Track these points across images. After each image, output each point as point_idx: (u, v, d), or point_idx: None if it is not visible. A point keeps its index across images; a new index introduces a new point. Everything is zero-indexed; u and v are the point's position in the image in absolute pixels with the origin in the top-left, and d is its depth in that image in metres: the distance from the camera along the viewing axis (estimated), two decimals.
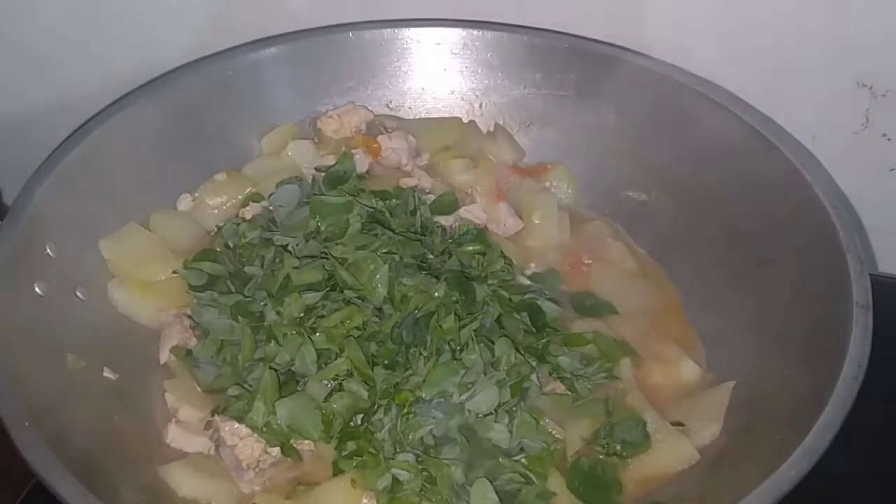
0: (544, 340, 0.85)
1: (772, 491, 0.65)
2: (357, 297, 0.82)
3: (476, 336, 0.80)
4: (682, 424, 0.82)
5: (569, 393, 0.83)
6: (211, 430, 0.80)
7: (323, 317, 0.80)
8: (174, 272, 0.90)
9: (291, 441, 0.78)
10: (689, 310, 0.94)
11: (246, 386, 0.80)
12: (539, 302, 0.88)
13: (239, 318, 0.83)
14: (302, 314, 0.81)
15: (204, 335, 0.85)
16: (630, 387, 0.84)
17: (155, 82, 0.96)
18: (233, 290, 0.87)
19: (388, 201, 0.93)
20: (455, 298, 0.83)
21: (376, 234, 0.87)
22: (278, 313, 0.81)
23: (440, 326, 0.79)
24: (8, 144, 1.20)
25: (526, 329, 0.85)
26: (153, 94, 0.96)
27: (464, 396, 0.77)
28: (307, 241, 0.87)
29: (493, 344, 0.80)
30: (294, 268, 0.84)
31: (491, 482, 0.74)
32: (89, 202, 0.89)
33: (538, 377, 0.81)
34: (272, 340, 0.80)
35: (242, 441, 0.78)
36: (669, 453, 0.79)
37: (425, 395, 0.77)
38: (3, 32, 1.15)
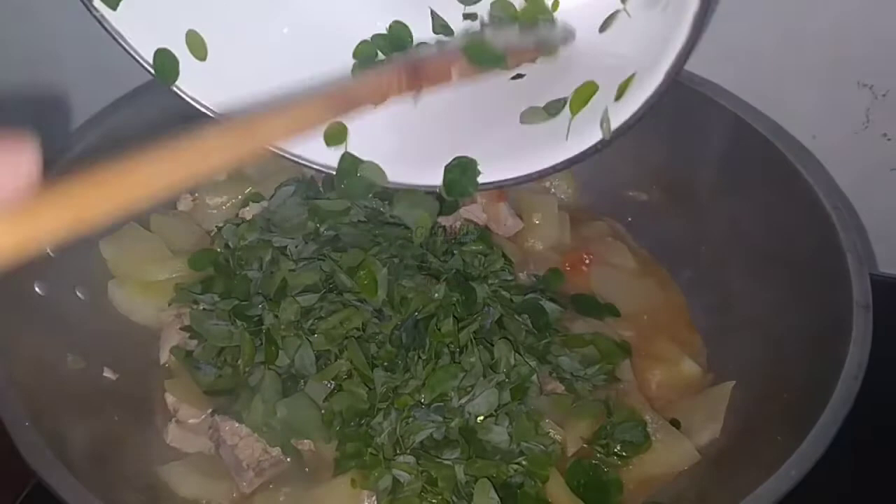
0: (545, 341, 0.85)
1: (772, 491, 0.65)
2: (357, 300, 0.82)
3: (475, 338, 0.80)
4: (678, 423, 0.82)
5: (568, 393, 0.83)
6: (211, 430, 0.80)
7: (321, 318, 0.80)
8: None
9: (291, 441, 0.79)
10: (689, 309, 0.94)
11: (247, 386, 0.80)
12: (541, 302, 0.88)
13: (237, 321, 0.83)
14: (298, 318, 0.81)
15: (203, 340, 0.85)
16: (630, 387, 0.84)
17: (155, 82, 0.96)
18: (231, 293, 0.87)
19: (388, 202, 0.93)
20: (455, 300, 0.83)
21: (377, 239, 0.87)
22: (276, 317, 0.81)
23: (439, 330, 0.79)
24: None
25: (527, 330, 0.85)
26: (153, 93, 0.95)
27: (463, 400, 0.77)
28: (306, 243, 0.87)
29: (493, 346, 0.80)
30: (290, 270, 0.84)
31: (492, 480, 0.74)
32: None
33: (538, 377, 0.81)
34: (272, 344, 0.80)
35: (242, 441, 0.78)
36: (669, 453, 0.79)
37: (424, 399, 0.77)
38: (3, 32, 1.15)
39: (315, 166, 0.84)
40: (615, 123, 0.73)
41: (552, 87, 0.78)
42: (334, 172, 0.82)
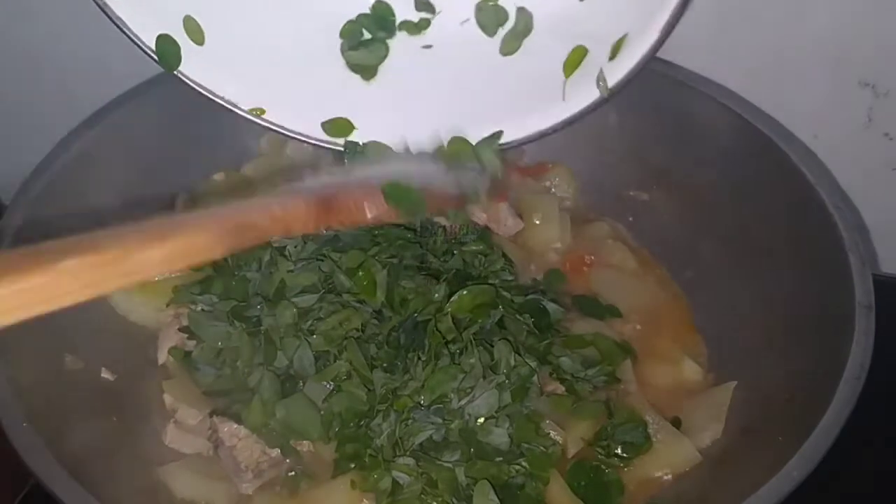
0: (546, 342, 0.84)
1: (773, 492, 0.64)
2: (356, 301, 0.81)
3: (475, 339, 0.80)
4: (679, 422, 0.82)
5: (569, 394, 0.82)
6: (210, 431, 0.80)
7: (320, 319, 0.80)
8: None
9: (291, 442, 0.78)
10: (690, 310, 0.94)
11: (245, 387, 0.80)
12: (543, 303, 0.88)
13: (236, 322, 0.83)
14: (296, 321, 0.80)
15: (201, 341, 0.85)
16: (631, 388, 0.84)
17: (155, 81, 0.96)
18: (230, 294, 0.87)
19: None
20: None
21: (377, 239, 0.87)
22: (274, 317, 0.81)
23: (438, 331, 0.79)
24: (7, 144, 1.20)
25: (528, 330, 0.84)
26: (153, 93, 0.95)
27: (463, 401, 0.77)
28: (305, 244, 0.87)
29: (493, 347, 0.80)
30: (289, 271, 0.83)
31: (492, 481, 0.73)
32: (88, 202, 0.89)
33: (539, 378, 0.81)
34: (270, 345, 0.80)
35: (241, 442, 0.78)
36: (671, 454, 0.79)
37: (424, 401, 0.76)
38: (3, 32, 1.14)
39: (321, 143, 0.84)
40: (612, 81, 0.74)
41: (544, 55, 0.78)
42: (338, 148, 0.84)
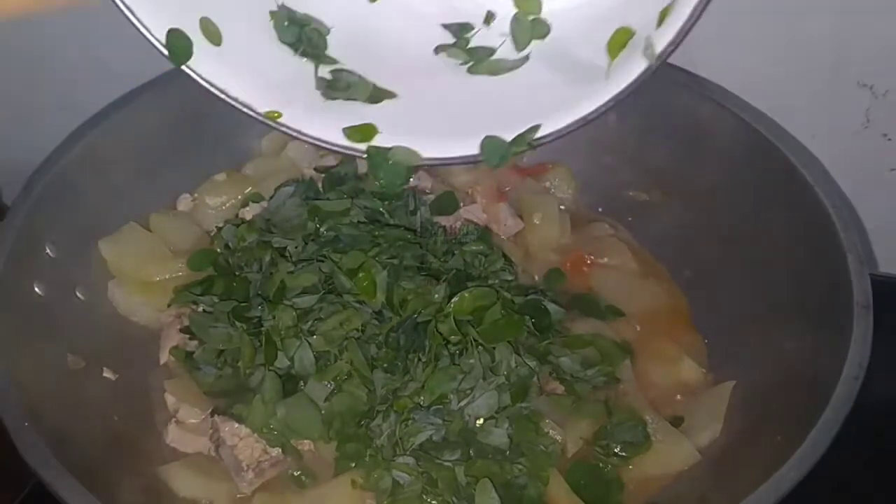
0: (546, 342, 0.85)
1: (772, 492, 0.65)
2: (356, 301, 0.82)
3: (475, 340, 0.80)
4: (681, 419, 0.82)
5: (568, 394, 0.82)
6: (211, 431, 0.80)
7: (321, 319, 0.80)
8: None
9: (291, 441, 0.78)
10: (689, 309, 0.94)
11: (247, 387, 0.80)
12: (544, 303, 0.88)
13: (237, 323, 0.83)
14: (295, 323, 0.80)
15: (203, 342, 0.85)
16: (630, 387, 0.84)
17: (155, 82, 0.96)
18: (231, 294, 0.87)
19: (387, 202, 0.92)
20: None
21: (377, 240, 0.87)
22: (275, 318, 0.81)
23: (438, 332, 0.79)
24: (8, 144, 1.20)
25: (528, 331, 0.85)
26: (153, 93, 0.95)
27: (463, 402, 0.77)
28: (306, 244, 0.87)
29: (493, 348, 0.80)
30: (289, 272, 0.83)
31: (492, 480, 0.74)
32: (89, 202, 0.89)
33: (538, 378, 0.81)
34: (271, 346, 0.80)
35: (242, 441, 0.78)
36: (670, 454, 0.79)
37: (424, 402, 0.76)
38: (3, 33, 1.15)
39: (342, 150, 0.80)
40: (659, 48, 0.68)
41: (587, 41, 0.75)
42: (360, 155, 0.80)
